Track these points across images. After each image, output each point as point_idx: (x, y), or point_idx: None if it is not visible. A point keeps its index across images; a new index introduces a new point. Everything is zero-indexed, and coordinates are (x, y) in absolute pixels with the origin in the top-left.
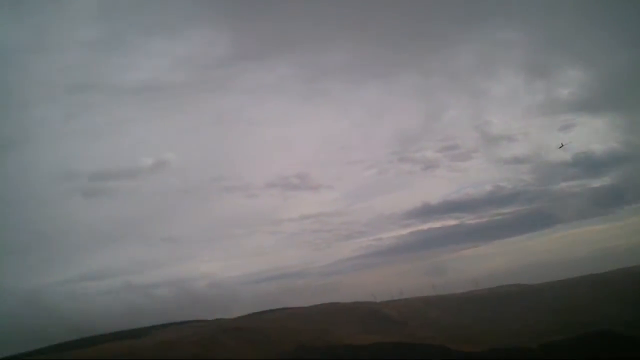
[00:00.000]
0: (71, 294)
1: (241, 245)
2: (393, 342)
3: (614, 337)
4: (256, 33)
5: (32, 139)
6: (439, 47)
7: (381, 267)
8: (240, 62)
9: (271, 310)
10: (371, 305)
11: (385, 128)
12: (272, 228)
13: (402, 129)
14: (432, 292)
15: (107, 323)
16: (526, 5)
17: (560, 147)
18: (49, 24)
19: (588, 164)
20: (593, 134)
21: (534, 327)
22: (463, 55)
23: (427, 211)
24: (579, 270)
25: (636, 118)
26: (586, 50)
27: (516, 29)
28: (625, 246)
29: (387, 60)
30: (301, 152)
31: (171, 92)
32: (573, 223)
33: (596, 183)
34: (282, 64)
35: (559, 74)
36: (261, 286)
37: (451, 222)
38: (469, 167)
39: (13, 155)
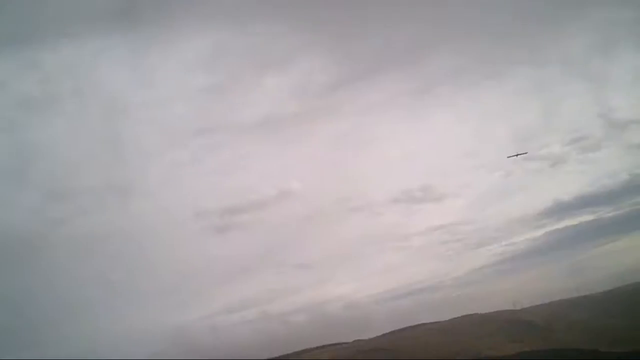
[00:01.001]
0: (212, 328)
1: (371, 264)
2: (540, 349)
3: None
4: (360, 54)
5: (164, 184)
6: (550, 33)
7: (518, 273)
8: (348, 85)
9: (408, 328)
10: (512, 314)
11: (503, 128)
12: (400, 244)
13: (522, 126)
14: (574, 294)
15: (248, 354)
16: None
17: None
18: (168, 76)
19: None
20: None
21: None
22: (577, 39)
23: (561, 209)
24: None
25: None
26: None
27: (635, 6)
28: None
29: (496, 58)
30: (422, 164)
31: (287, 123)
32: None
33: None
34: (390, 80)
35: None
36: (395, 304)
37: (587, 217)
38: (600, 157)
39: (149, 201)
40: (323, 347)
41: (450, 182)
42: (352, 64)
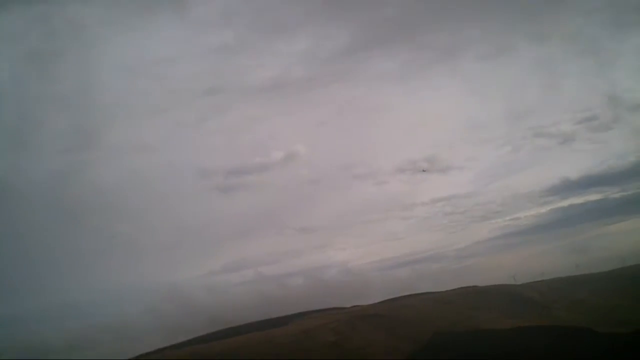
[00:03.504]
0: (209, 287)
1: (373, 232)
2: (536, 325)
3: None
4: (373, 22)
5: (169, 143)
6: (554, 10)
7: (520, 247)
8: (359, 52)
9: (407, 296)
10: (511, 288)
11: (509, 104)
12: (403, 213)
13: (527, 102)
14: (575, 272)
15: (243, 314)
16: None
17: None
18: (177, 36)
19: None
20: None
21: None
22: (584, 17)
23: (567, 187)
24: None
25: None
26: None
27: None
28: None
29: (504, 32)
30: (428, 135)
31: (296, 87)
32: None
33: None
34: (399, 50)
35: None
36: (395, 272)
37: (594, 196)
38: (609, 138)
39: (153, 158)
40: (320, 310)
41: (456, 155)
42: (363, 32)
